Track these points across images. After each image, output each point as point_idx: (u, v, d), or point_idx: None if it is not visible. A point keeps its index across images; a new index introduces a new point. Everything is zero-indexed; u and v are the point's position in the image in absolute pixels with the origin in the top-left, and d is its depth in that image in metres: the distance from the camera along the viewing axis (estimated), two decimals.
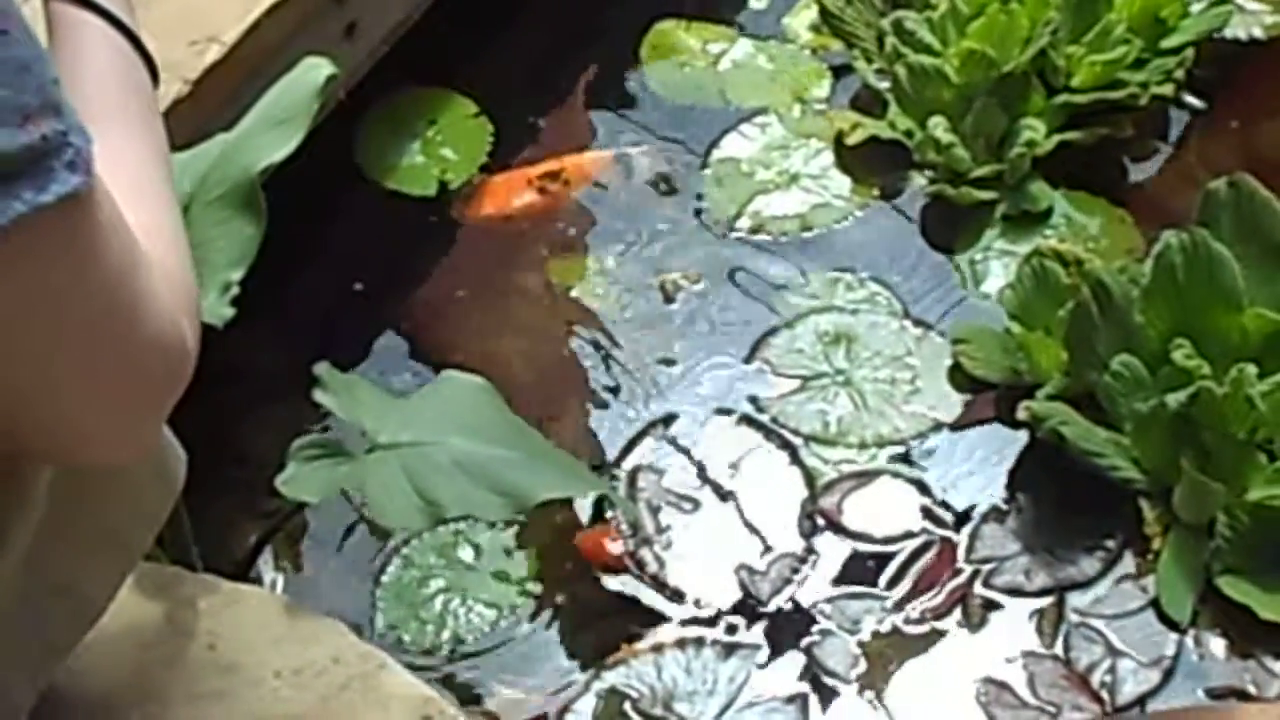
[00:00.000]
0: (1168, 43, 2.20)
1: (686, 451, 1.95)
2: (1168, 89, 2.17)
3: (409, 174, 2.23)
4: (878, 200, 2.18)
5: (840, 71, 2.31)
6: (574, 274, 2.12)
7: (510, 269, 2.13)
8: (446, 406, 1.63)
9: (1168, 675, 1.74)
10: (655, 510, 1.90)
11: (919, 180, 2.17)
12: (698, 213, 2.18)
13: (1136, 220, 2.10)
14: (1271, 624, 1.73)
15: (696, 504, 1.91)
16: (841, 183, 2.20)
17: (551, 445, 1.64)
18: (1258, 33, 2.31)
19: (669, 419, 1.98)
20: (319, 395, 1.64)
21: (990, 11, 2.17)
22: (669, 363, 2.03)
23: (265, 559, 1.85)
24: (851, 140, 2.18)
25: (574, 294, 2.10)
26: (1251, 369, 1.79)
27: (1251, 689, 1.72)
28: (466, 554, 1.87)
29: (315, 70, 1.59)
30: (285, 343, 2.00)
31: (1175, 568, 1.78)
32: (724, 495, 1.91)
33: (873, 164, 2.19)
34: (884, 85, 2.22)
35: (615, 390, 2.01)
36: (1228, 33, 2.28)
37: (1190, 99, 2.23)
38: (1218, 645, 1.75)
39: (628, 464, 1.94)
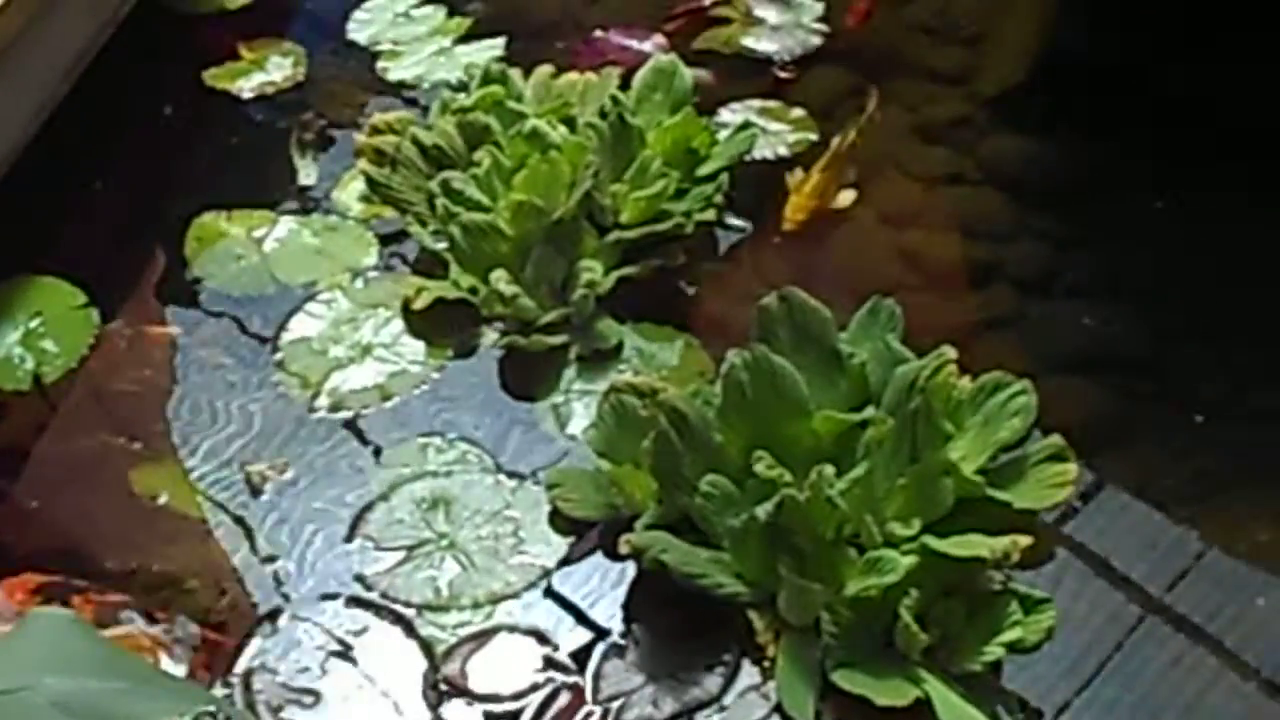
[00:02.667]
0: (703, 171, 2.35)
1: (299, 644, 1.93)
2: (710, 214, 2.31)
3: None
4: (454, 360, 2.22)
5: (395, 238, 2.36)
6: (159, 481, 2.08)
7: (93, 483, 2.08)
8: (36, 647, 1.56)
9: None
10: (276, 710, 1.87)
11: (490, 335, 2.23)
12: (276, 399, 2.18)
13: (703, 343, 2.22)
14: (890, 709, 1.82)
15: (317, 696, 1.89)
16: (415, 348, 2.23)
17: (154, 668, 1.59)
18: (783, 151, 2.49)
19: (275, 613, 1.96)
20: None
21: (531, 163, 2.27)
22: (269, 559, 2.01)
23: None
24: (418, 304, 2.23)
25: (162, 502, 2.06)
26: (829, 469, 1.90)
27: None
28: None
29: None
30: None
31: (791, 671, 1.86)
32: (344, 681, 1.90)
33: (443, 325, 2.24)
34: (442, 246, 2.28)
35: (222, 593, 1.97)
36: (757, 154, 2.46)
37: (733, 220, 2.37)
38: None
39: (239, 668, 1.90)
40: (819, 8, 2.75)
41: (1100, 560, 1.99)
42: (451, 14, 2.80)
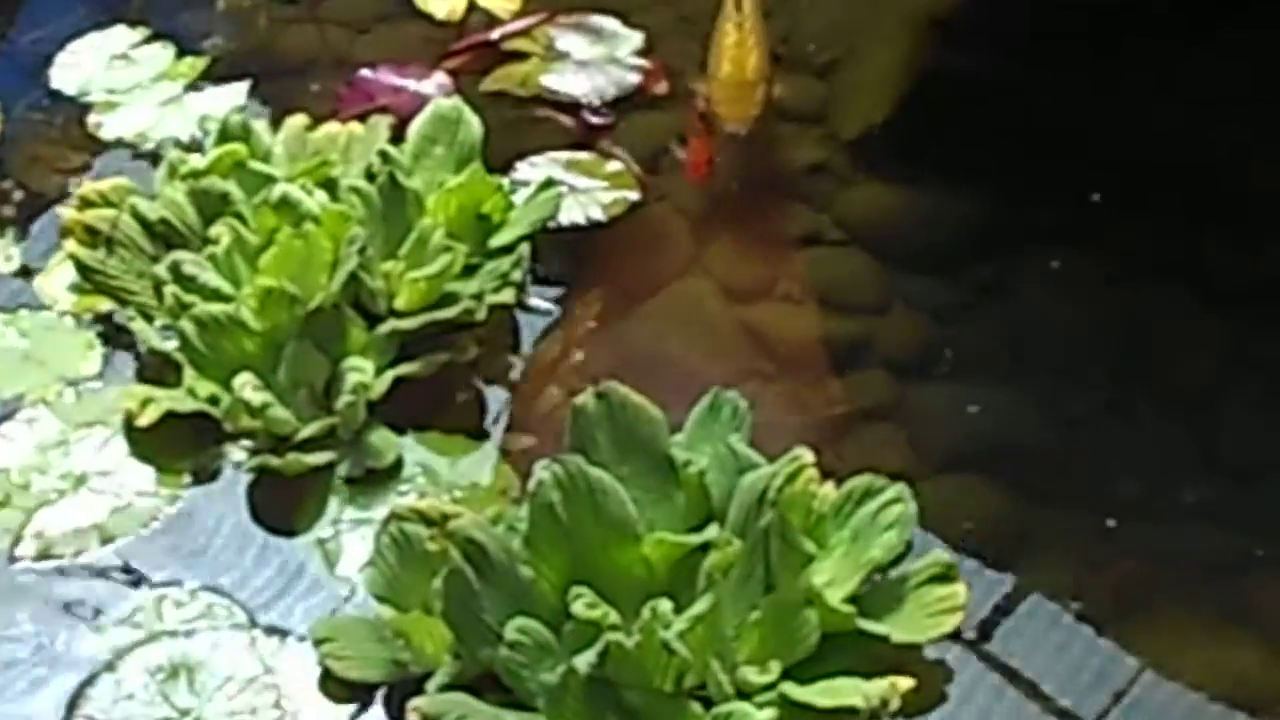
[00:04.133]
0: (497, 241, 2.41)
1: None
2: (508, 295, 2.37)
3: None
4: (191, 488, 2.24)
5: (114, 337, 2.39)
6: None
7: None
8: None
9: None
10: None
11: (236, 454, 2.26)
12: None
13: (505, 455, 2.27)
14: None
15: None
16: (142, 475, 2.25)
17: None
18: (597, 214, 2.57)
19: None
20: None
21: (282, 238, 2.31)
22: None
23: None
24: (144, 420, 2.24)
25: None
26: (665, 605, 1.95)
27: None
28: None
29: None
30: None
31: None
32: None
33: (176, 445, 2.27)
34: (172, 345, 2.30)
35: None
36: (564, 219, 2.53)
37: (537, 301, 2.44)
38: None
39: None
40: (637, 38, 2.83)
41: (1006, 698, 2.05)
42: (182, 53, 2.84)
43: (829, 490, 2.08)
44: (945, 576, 2.05)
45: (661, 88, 2.75)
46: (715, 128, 2.63)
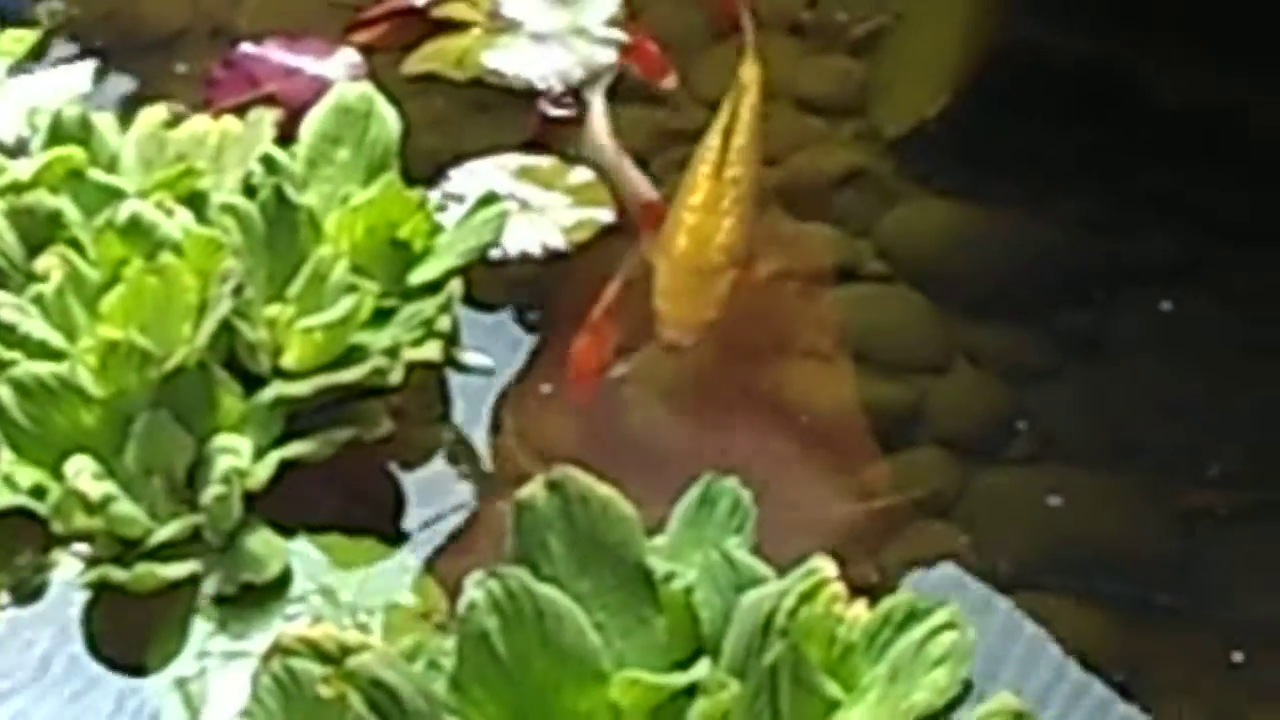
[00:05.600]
0: (419, 277, 2.41)
1: None
2: (433, 349, 2.35)
3: None
4: (8, 609, 2.23)
5: None
6: None
7: None
8: None
9: None
10: None
11: (68, 564, 2.25)
12: None
13: (426, 566, 2.26)
14: None
15: None
16: None
17: None
18: (556, 240, 2.57)
19: None
20: None
21: (131, 274, 2.30)
22: None
23: None
24: None
25: None
26: None
27: None
28: None
29: None
30: None
31: None
32: None
33: None
34: None
35: None
36: (510, 247, 2.53)
37: (472, 357, 2.43)
38: None
39: None
40: (611, 3, 2.85)
41: None
42: (4, 23, 2.86)
43: (860, 613, 2.06)
44: None
45: (670, 81, 2.75)
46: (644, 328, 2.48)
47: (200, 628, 2.21)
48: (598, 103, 2.70)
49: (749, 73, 2.65)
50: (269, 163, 2.43)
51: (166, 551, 2.22)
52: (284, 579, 2.24)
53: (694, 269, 2.47)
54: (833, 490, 2.34)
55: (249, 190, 2.42)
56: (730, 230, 2.48)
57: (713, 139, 2.56)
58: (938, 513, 2.32)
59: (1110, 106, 2.64)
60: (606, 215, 2.59)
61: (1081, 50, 2.69)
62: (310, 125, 2.51)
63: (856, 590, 2.06)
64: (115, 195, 2.42)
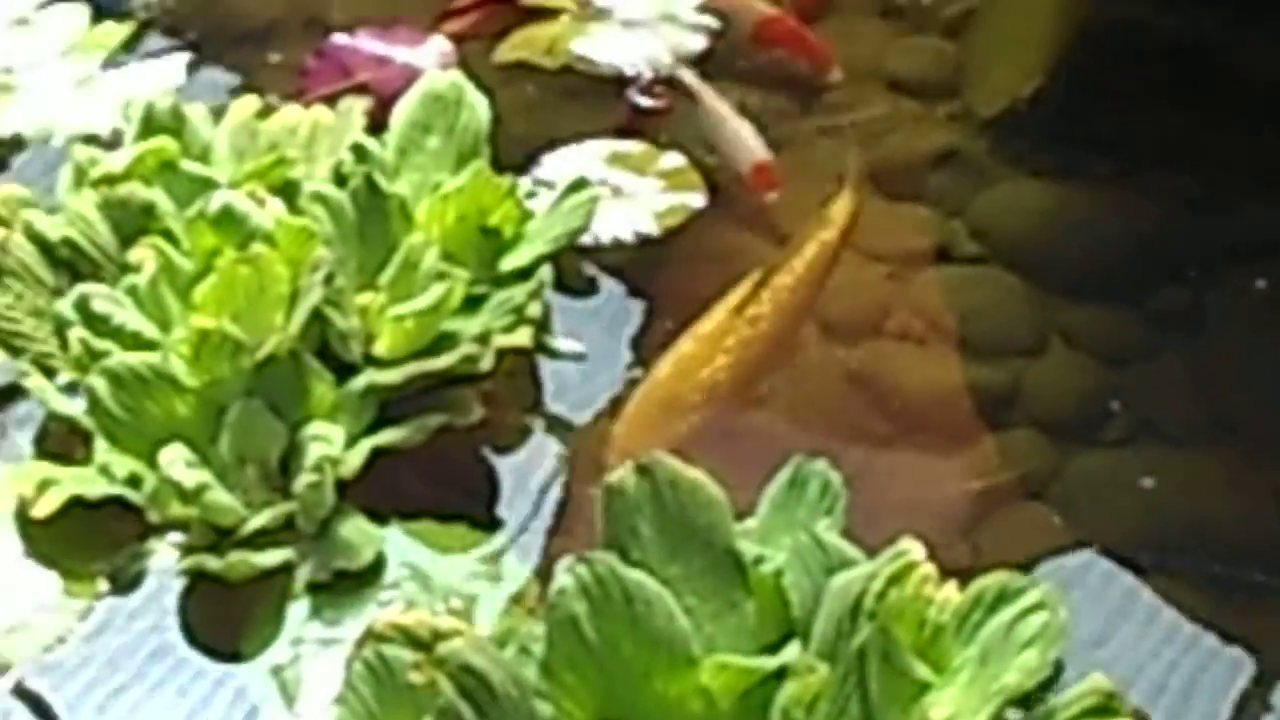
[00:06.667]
0: (510, 264, 2.43)
1: None
2: (524, 335, 2.37)
3: None
4: (105, 598, 2.25)
5: (3, 398, 2.41)
6: None
7: None
8: None
9: None
10: None
11: (164, 552, 2.27)
12: None
13: (520, 552, 2.27)
14: None
15: None
16: (40, 582, 2.26)
17: None
18: (646, 225, 2.59)
19: None
20: None
21: (224, 264, 2.32)
22: None
23: None
24: (43, 510, 2.25)
25: None
26: None
27: None
28: None
29: None
30: None
31: None
32: None
33: (85, 540, 2.27)
34: (79, 409, 2.32)
35: None
36: (600, 233, 2.54)
37: (563, 343, 2.45)
38: None
39: None
40: None
41: None
42: (100, 16, 2.88)
43: (950, 595, 2.06)
44: (1108, 709, 2.03)
45: (836, 74, 2.76)
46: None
47: (294, 615, 2.23)
48: (691, 76, 2.70)
49: (840, 208, 2.57)
50: (360, 152, 2.45)
51: (260, 539, 2.24)
52: (377, 566, 2.25)
53: (662, 401, 2.41)
54: (932, 473, 2.34)
55: (340, 179, 2.45)
56: (722, 369, 2.41)
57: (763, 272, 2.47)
58: (1032, 494, 2.32)
59: (1203, 84, 2.63)
60: (698, 200, 2.60)
61: (1174, 28, 2.68)
62: (400, 114, 2.53)
63: (951, 572, 2.05)
64: (207, 186, 2.44)
